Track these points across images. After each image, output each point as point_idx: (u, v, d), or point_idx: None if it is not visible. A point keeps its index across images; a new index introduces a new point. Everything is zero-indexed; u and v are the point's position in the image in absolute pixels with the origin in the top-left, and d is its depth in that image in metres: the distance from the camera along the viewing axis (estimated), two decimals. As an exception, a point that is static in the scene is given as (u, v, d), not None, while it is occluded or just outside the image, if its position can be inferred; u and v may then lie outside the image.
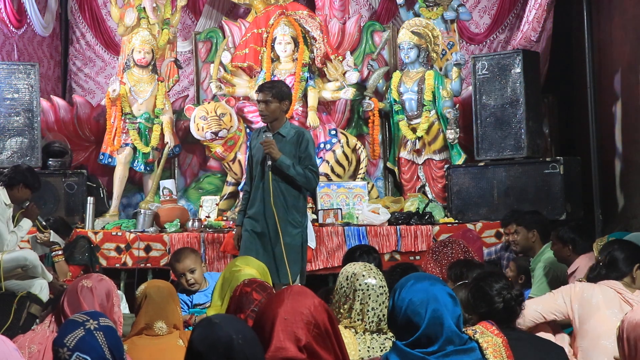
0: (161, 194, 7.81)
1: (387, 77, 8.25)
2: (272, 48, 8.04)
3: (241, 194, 5.93)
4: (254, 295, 3.21)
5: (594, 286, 3.98)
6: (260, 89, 5.65)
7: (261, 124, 7.79)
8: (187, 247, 6.31)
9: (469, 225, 6.96)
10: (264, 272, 4.32)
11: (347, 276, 3.36)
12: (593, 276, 4.14)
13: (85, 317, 2.52)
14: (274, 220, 5.45)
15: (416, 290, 2.65)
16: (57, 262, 6.11)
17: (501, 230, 6.79)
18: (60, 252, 6.14)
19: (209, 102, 8.14)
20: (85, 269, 6.24)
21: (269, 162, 5.43)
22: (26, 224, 5.83)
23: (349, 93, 7.96)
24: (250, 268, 4.06)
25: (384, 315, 3.29)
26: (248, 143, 5.86)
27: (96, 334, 2.45)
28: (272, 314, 2.54)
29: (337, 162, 7.96)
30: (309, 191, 6.04)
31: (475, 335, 2.87)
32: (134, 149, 8.01)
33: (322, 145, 7.97)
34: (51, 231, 6.19)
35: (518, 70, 7.35)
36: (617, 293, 3.95)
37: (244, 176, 6.02)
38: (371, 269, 3.39)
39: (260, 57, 8.09)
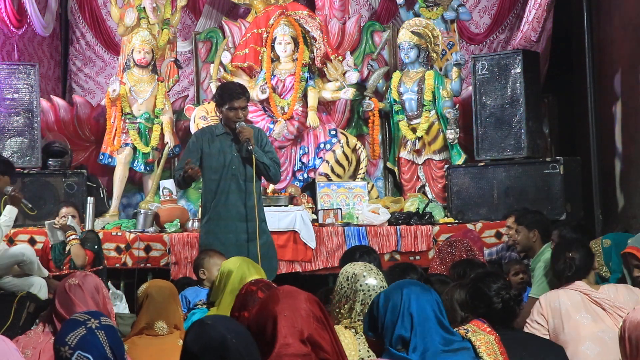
0: (161, 194, 7.81)
1: (387, 77, 8.25)
2: (272, 48, 8.04)
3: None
4: (259, 294, 3.22)
5: (558, 294, 4.01)
6: (237, 96, 5.49)
7: (262, 124, 7.83)
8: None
9: (469, 226, 6.96)
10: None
11: (348, 277, 3.35)
12: (563, 277, 4.16)
13: (86, 316, 2.52)
14: (254, 221, 5.44)
15: (399, 297, 2.67)
16: (73, 246, 6.07)
17: (501, 230, 6.80)
18: (75, 237, 6.11)
19: (209, 102, 8.14)
20: (95, 257, 6.22)
21: (250, 148, 5.39)
22: (10, 211, 5.81)
23: (349, 93, 7.97)
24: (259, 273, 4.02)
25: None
26: (194, 142, 5.66)
27: (97, 333, 2.46)
28: (272, 313, 2.55)
29: (337, 162, 7.96)
30: (275, 183, 6.06)
31: (468, 335, 2.87)
32: (134, 149, 8.01)
33: (322, 145, 7.98)
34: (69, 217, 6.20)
35: (518, 70, 7.35)
36: (583, 295, 3.96)
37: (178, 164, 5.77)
38: (372, 269, 3.39)
39: (260, 57, 8.09)
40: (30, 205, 6.11)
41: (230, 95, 5.51)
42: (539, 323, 3.93)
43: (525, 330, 4.00)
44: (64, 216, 6.24)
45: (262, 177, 5.62)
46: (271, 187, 7.67)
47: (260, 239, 5.47)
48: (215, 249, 5.31)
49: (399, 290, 2.72)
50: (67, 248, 6.11)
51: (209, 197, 5.58)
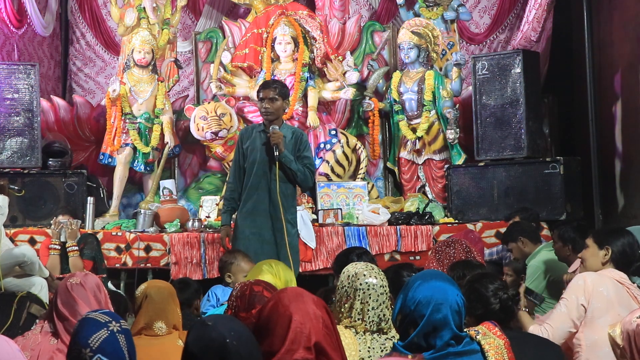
0: (161, 194, 7.81)
1: (387, 77, 8.25)
2: (272, 48, 8.04)
3: (225, 193, 5.88)
4: (265, 293, 3.22)
5: (604, 279, 3.91)
6: (266, 86, 5.61)
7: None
8: None
9: (469, 226, 6.96)
10: (288, 282, 4.20)
11: (349, 275, 3.36)
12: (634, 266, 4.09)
13: (107, 317, 2.50)
14: (280, 221, 5.51)
15: (425, 290, 2.66)
16: (72, 257, 6.13)
17: (501, 230, 6.79)
18: (75, 248, 6.17)
19: (209, 102, 8.14)
20: (93, 266, 6.26)
21: (277, 153, 5.43)
22: (1, 200, 5.79)
23: (349, 93, 7.97)
24: (273, 277, 3.99)
25: (384, 315, 3.29)
26: (239, 141, 5.82)
27: (118, 337, 2.44)
28: (281, 316, 2.54)
29: (337, 162, 7.96)
30: (305, 190, 6.06)
31: (478, 337, 2.85)
32: (134, 149, 8.01)
33: (322, 145, 7.97)
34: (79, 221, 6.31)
35: (518, 70, 7.35)
36: (626, 288, 3.92)
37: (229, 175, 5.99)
38: (373, 269, 3.40)
39: (260, 57, 8.09)
40: (17, 188, 6.12)
41: (262, 86, 5.68)
42: (583, 305, 3.86)
43: (558, 309, 3.94)
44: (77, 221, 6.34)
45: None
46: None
47: (283, 240, 5.52)
48: (240, 242, 5.48)
49: (419, 282, 2.71)
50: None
51: (244, 191, 5.66)
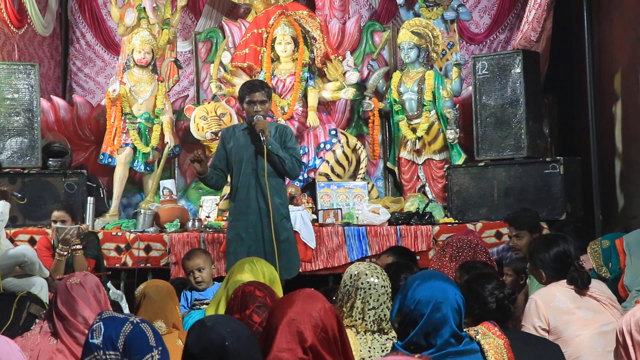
0: (161, 194, 7.81)
1: (387, 77, 8.25)
2: (272, 48, 8.05)
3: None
4: (257, 292, 3.23)
5: (553, 292, 3.91)
6: (254, 89, 5.58)
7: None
8: (200, 248, 6.58)
9: (469, 226, 6.95)
10: (272, 278, 4.18)
11: (351, 274, 3.37)
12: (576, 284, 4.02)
13: (139, 317, 2.59)
14: (276, 216, 5.51)
15: (425, 289, 2.67)
16: (77, 256, 6.10)
17: (501, 230, 6.80)
18: (79, 247, 6.14)
19: (209, 102, 8.14)
20: (96, 265, 6.26)
21: (263, 138, 5.43)
22: (3, 206, 5.81)
23: (349, 93, 7.97)
24: (254, 276, 4.00)
25: (385, 315, 3.30)
26: (220, 142, 5.80)
27: (125, 325, 2.48)
28: (282, 314, 2.55)
29: (337, 162, 7.96)
30: (293, 178, 6.09)
31: (477, 337, 2.86)
32: (134, 149, 8.01)
33: (322, 145, 7.97)
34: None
35: (518, 70, 7.35)
36: (573, 290, 3.92)
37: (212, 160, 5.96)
38: (375, 269, 3.40)
39: (260, 57, 8.09)
40: (19, 195, 6.13)
41: (249, 89, 5.62)
42: (542, 328, 3.83)
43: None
44: (55, 220, 6.26)
45: (280, 173, 5.64)
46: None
47: (280, 236, 5.54)
48: (232, 243, 5.58)
49: (417, 282, 2.72)
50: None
51: (233, 192, 5.69)
